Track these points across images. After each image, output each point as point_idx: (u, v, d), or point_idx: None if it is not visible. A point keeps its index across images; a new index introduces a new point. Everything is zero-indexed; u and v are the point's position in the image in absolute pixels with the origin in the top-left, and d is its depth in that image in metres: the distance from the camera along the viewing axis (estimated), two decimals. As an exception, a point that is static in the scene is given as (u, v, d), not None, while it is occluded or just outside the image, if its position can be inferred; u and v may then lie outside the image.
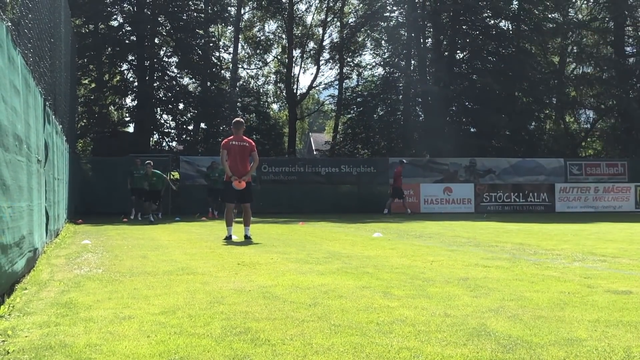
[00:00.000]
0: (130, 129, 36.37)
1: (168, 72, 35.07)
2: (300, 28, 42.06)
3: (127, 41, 33.72)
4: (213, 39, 37.26)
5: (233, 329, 4.33)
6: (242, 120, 12.98)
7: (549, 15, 37.36)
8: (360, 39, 40.94)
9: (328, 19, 42.17)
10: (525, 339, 4.03)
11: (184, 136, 35.11)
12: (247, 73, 42.77)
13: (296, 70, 41.86)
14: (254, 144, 12.78)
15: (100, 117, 34.18)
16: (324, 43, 42.03)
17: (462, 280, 6.60)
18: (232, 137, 12.54)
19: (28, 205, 7.25)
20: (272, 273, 7.19)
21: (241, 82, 39.85)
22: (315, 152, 49.74)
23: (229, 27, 41.38)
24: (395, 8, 38.49)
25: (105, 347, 3.87)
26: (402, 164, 26.80)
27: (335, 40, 41.84)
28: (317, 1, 42.43)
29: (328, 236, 13.35)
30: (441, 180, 29.34)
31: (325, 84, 43.62)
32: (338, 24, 42.22)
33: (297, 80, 41.96)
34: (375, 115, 37.79)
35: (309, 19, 43.66)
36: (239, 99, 37.03)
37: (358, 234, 13.98)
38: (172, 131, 35.05)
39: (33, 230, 7.82)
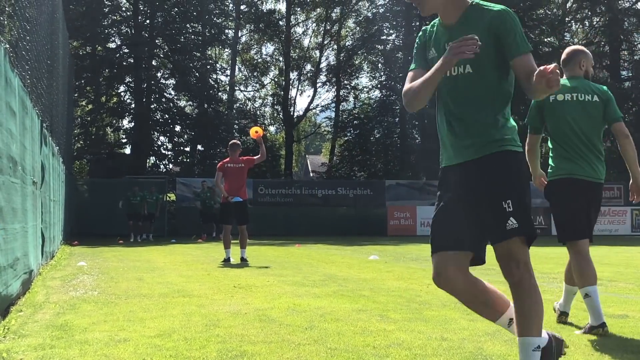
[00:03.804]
0: (127, 150, 36.40)
1: (165, 94, 35.18)
2: (297, 51, 42.25)
3: (124, 63, 33.84)
4: (210, 61, 37.41)
5: (229, 352, 4.31)
6: (238, 142, 13.00)
7: (545, 39, 37.60)
8: (357, 62, 41.15)
9: (325, 42, 42.40)
10: (522, 363, 4.01)
11: (181, 158, 35.13)
12: (244, 95, 42.95)
13: (293, 92, 42.06)
14: (251, 157, 12.83)
15: (97, 139, 34.23)
16: (321, 66, 42.26)
17: (458, 303, 6.58)
18: (227, 159, 12.56)
19: (22, 227, 7.23)
20: (268, 296, 7.17)
21: (238, 104, 39.97)
22: (311, 174, 49.72)
23: (226, 50, 41.57)
24: (391, 32, 38.79)
25: (100, 371, 3.85)
26: None
27: (332, 63, 42.07)
28: (314, 24, 42.69)
29: (324, 259, 13.32)
30: (438, 203, 29.28)
31: (322, 106, 43.87)
32: (335, 46, 42.44)
33: (294, 103, 42.16)
34: (372, 138, 37.89)
35: (306, 42, 44.03)
36: (236, 121, 37.11)
37: (354, 257, 13.96)
38: (169, 153, 35.09)
39: (28, 252, 7.79)
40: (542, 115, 5.45)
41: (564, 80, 5.43)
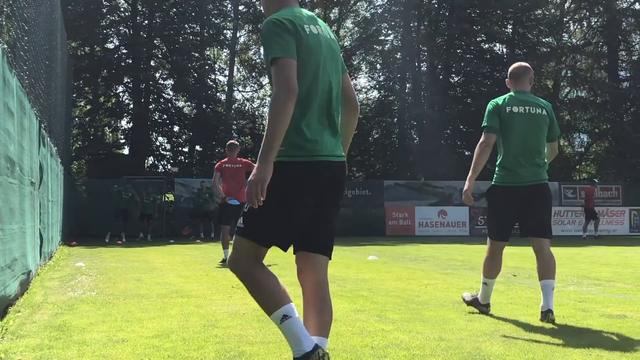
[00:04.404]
0: (126, 151, 36.36)
1: (163, 94, 35.14)
2: (295, 51, 42.21)
3: (122, 64, 33.79)
4: (209, 61, 37.32)
5: (227, 353, 4.31)
6: (236, 142, 12.98)
7: (543, 40, 37.58)
8: (355, 62, 41.08)
9: (323, 43, 42.33)
10: (520, 363, 4.02)
11: (179, 158, 35.11)
12: (243, 95, 42.84)
13: (291, 93, 41.90)
14: (250, 162, 12.80)
15: (96, 139, 34.18)
16: (320, 66, 42.14)
17: (457, 303, 6.59)
18: (225, 159, 12.54)
19: (20, 228, 7.22)
20: (266, 296, 7.16)
21: (236, 105, 39.91)
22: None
23: (224, 50, 41.50)
24: (390, 32, 38.72)
25: (98, 371, 3.85)
26: (594, 184, 26.21)
27: (330, 64, 41.97)
28: (313, 25, 42.62)
29: (323, 259, 13.29)
30: (436, 203, 29.33)
31: (321, 106, 43.73)
32: (333, 47, 42.37)
33: (293, 103, 41.97)
34: (370, 138, 37.86)
35: (304, 42, 43.80)
36: (235, 122, 37.05)
37: (353, 257, 13.95)
38: (167, 153, 35.05)
39: (26, 252, 7.79)
40: (499, 120, 5.92)
41: (513, 94, 6.01)
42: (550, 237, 5.95)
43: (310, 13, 3.55)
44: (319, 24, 3.51)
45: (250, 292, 3.49)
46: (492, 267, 6.08)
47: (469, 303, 6.21)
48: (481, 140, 5.95)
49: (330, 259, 3.76)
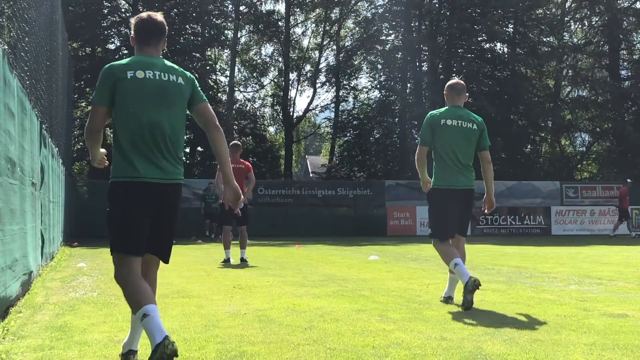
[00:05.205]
0: (127, 151, 36.28)
1: (165, 94, 35.14)
2: (296, 51, 42.22)
3: (124, 64, 33.78)
4: (210, 62, 37.35)
5: (228, 353, 4.31)
6: (238, 143, 13.00)
7: (544, 39, 37.56)
8: (356, 62, 41.09)
9: (324, 43, 42.37)
10: (521, 363, 4.01)
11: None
12: (244, 96, 42.85)
13: (292, 93, 41.99)
14: (250, 165, 12.80)
15: (97, 140, 34.15)
16: (321, 66, 42.21)
17: (458, 303, 6.59)
18: (228, 159, 12.54)
19: (21, 229, 7.22)
20: (267, 296, 7.17)
21: (238, 105, 39.90)
22: (311, 175, 49.70)
23: (225, 51, 41.49)
24: (391, 32, 38.76)
25: (99, 371, 3.85)
26: (627, 183, 25.95)
27: (331, 64, 42.01)
28: (314, 25, 42.65)
29: (324, 259, 13.32)
30: (437, 203, 29.26)
31: (322, 106, 43.71)
32: (334, 47, 42.40)
33: (294, 103, 42.13)
34: (371, 138, 37.88)
35: (305, 43, 43.79)
36: (236, 122, 37.05)
37: (354, 257, 13.95)
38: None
39: (27, 253, 7.79)
40: (433, 134, 6.69)
41: (449, 108, 6.78)
42: (465, 236, 6.92)
43: (153, 60, 4.11)
44: (157, 69, 4.06)
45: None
46: (448, 250, 6.64)
47: (446, 300, 6.77)
48: (416, 152, 6.85)
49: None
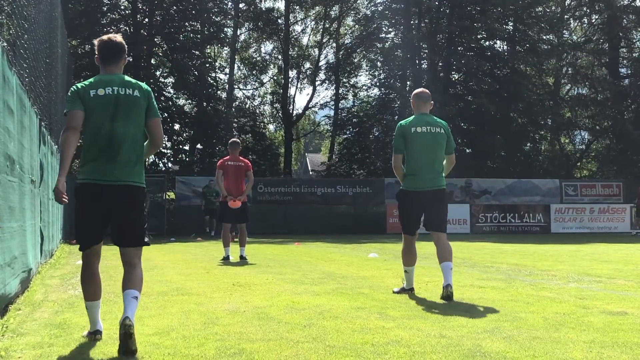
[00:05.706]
0: (126, 149, 36.25)
1: (164, 92, 35.07)
2: (296, 49, 42.21)
3: (123, 62, 33.76)
4: (209, 59, 37.31)
5: (227, 350, 4.31)
6: (238, 140, 13.00)
7: (544, 37, 37.55)
8: (356, 60, 41.07)
9: (324, 40, 42.37)
10: (520, 360, 4.01)
11: (180, 156, 35.07)
12: (243, 94, 42.86)
13: (292, 90, 41.98)
14: (249, 163, 12.79)
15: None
16: (320, 64, 42.22)
17: (457, 301, 6.59)
18: (227, 157, 12.56)
19: (20, 226, 7.22)
20: (267, 294, 7.17)
21: (237, 103, 39.90)
22: (311, 173, 49.66)
23: (225, 48, 41.45)
24: (390, 29, 38.71)
25: (98, 369, 3.85)
26: None
27: (331, 61, 42.04)
28: (313, 22, 42.66)
29: (323, 257, 13.32)
30: (437, 201, 29.23)
31: (321, 104, 43.69)
32: (334, 45, 42.41)
33: (293, 101, 42.10)
34: (371, 136, 37.85)
35: (305, 40, 43.80)
36: (235, 120, 37.03)
37: (354, 255, 13.96)
38: (168, 151, 35.01)
39: (26, 250, 7.79)
40: (405, 141, 7.08)
41: (417, 116, 7.19)
42: (445, 232, 7.28)
43: (112, 77, 4.68)
44: (115, 85, 4.62)
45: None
46: (409, 257, 7.52)
47: (398, 292, 7.34)
48: (392, 160, 7.25)
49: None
